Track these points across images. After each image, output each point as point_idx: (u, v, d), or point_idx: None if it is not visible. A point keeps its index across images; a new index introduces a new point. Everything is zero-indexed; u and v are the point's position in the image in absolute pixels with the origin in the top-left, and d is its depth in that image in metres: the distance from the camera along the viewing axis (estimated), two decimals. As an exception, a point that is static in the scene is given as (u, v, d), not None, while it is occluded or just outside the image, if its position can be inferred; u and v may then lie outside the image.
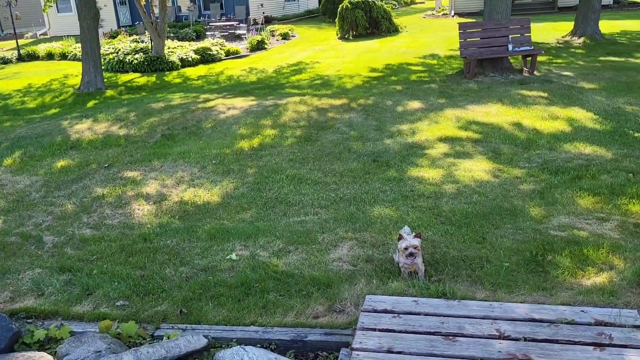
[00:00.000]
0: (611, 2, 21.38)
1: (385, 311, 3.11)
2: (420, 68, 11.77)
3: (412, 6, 31.73)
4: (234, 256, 4.08)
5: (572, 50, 12.80)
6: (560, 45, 13.51)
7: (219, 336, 3.10)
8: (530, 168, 5.45)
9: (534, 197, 4.78)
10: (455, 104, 8.13)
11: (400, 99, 8.66)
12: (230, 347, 2.99)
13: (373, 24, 19.20)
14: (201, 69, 14.89)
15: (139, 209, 5.22)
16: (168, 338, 3.05)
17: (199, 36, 20.25)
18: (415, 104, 8.30)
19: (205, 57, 16.07)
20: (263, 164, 6.18)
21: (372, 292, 3.41)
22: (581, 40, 13.59)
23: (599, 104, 7.67)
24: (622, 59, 11.20)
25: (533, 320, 2.93)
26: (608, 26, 15.24)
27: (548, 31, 15.64)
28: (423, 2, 32.66)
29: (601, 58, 11.44)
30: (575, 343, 2.69)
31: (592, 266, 3.61)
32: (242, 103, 9.05)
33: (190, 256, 4.17)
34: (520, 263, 3.67)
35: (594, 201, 4.62)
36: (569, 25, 14.88)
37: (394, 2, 29.68)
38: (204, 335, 3.02)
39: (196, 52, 16.12)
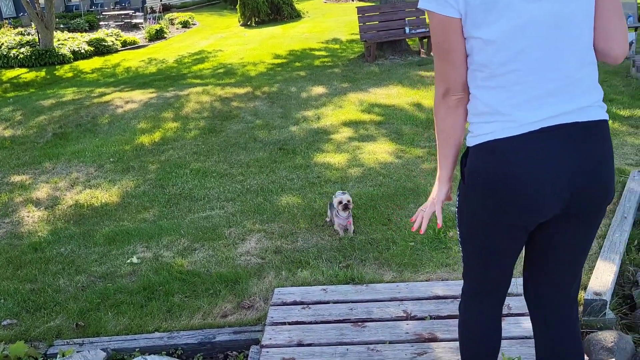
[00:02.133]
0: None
1: (295, 303, 3.06)
2: (323, 53, 11.80)
3: (314, -9, 31.74)
4: (135, 259, 3.86)
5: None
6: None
7: (120, 347, 2.91)
8: (431, 147, 5.59)
9: (435, 175, 4.90)
10: (358, 88, 8.21)
11: (305, 85, 8.62)
12: (133, 357, 2.82)
13: (275, 10, 19.04)
14: (96, 62, 14.06)
15: (28, 216, 4.81)
16: (63, 356, 2.82)
17: (92, 27, 19.14)
18: (319, 89, 8.29)
19: (100, 49, 15.21)
20: (165, 159, 5.91)
21: (281, 285, 3.35)
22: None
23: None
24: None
25: (437, 297, 2.99)
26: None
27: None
28: (324, -13, 32.74)
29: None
30: (477, 316, 2.76)
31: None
32: (141, 96, 8.63)
33: (86, 263, 3.89)
34: (425, 242, 3.74)
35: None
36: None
37: (296, -13, 29.54)
38: (102, 349, 2.82)
39: (89, 43, 15.21)
